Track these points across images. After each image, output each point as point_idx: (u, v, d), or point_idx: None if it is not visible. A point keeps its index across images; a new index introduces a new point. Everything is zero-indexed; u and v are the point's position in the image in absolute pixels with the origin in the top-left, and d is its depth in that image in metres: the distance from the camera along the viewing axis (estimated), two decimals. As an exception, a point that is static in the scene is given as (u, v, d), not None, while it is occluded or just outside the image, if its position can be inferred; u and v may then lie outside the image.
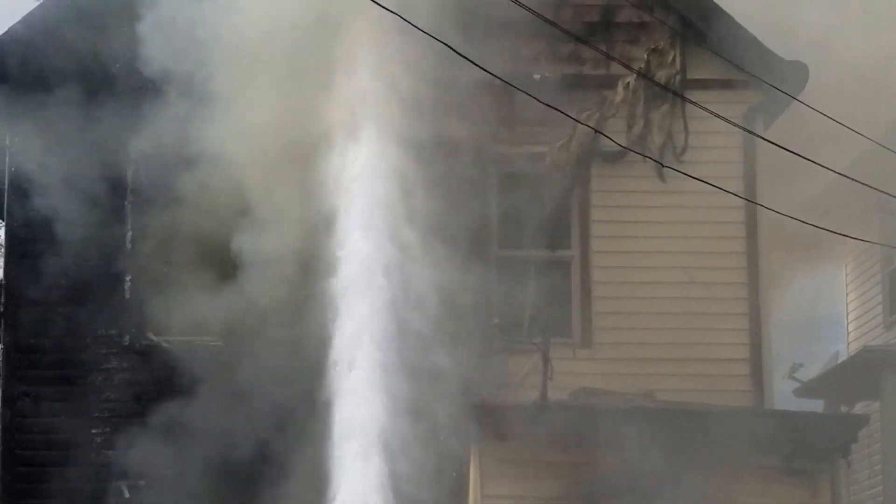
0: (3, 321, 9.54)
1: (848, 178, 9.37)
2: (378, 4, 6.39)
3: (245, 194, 8.71)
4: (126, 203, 9.46)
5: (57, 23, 9.43)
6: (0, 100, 9.39)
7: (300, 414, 8.13)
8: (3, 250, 10.54)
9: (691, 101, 9.53)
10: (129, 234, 9.52)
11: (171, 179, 9.19)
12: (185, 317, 9.41)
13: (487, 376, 8.97)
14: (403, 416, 7.95)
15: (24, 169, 9.44)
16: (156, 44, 8.79)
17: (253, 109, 8.55)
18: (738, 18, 9.79)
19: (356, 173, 8.29)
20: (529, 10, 7.30)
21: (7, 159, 9.56)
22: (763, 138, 9.72)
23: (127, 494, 9.24)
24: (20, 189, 9.48)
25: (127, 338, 9.38)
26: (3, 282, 9.56)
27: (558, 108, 8.32)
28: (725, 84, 9.93)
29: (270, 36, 8.63)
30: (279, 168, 8.55)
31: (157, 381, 9.19)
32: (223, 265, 9.00)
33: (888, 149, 9.73)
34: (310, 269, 8.44)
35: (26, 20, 9.79)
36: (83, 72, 9.53)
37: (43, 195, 9.31)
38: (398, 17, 6.62)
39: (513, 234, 10.05)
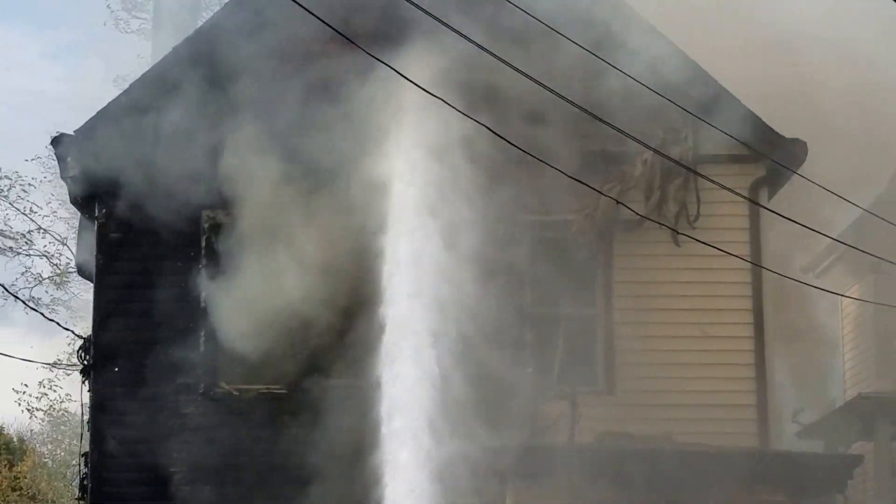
0: (92, 373, 10.30)
1: (843, 243, 10.03)
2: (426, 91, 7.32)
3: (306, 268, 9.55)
4: (200, 267, 10.24)
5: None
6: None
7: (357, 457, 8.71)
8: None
9: (702, 175, 9.89)
10: (203, 295, 10.15)
11: (237, 252, 9.97)
12: (252, 367, 10.12)
13: (523, 421, 9.35)
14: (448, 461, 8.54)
15: (111, 240, 10.29)
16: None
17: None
18: (745, 100, 10.15)
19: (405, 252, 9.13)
20: (560, 95, 7.98)
21: (96, 230, 10.38)
22: (766, 208, 10.14)
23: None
24: (110, 256, 10.33)
25: (202, 386, 10.13)
26: (93, 339, 10.30)
27: (583, 181, 9.09)
28: (733, 159, 10.27)
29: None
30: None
31: (230, 426, 9.95)
32: (288, 323, 9.64)
33: (878, 216, 10.32)
34: (364, 329, 9.19)
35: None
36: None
37: (130, 261, 10.18)
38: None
39: (545, 294, 10.49)
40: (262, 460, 9.76)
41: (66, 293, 22.93)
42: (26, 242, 22.34)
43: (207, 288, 10.11)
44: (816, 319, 12.08)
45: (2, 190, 22.23)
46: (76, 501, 14.11)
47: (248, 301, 9.80)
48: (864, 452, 10.99)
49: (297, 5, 6.17)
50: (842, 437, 12.11)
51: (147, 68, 11.91)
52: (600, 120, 8.98)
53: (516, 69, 7.37)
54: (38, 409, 23.89)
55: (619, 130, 9.18)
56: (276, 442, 9.70)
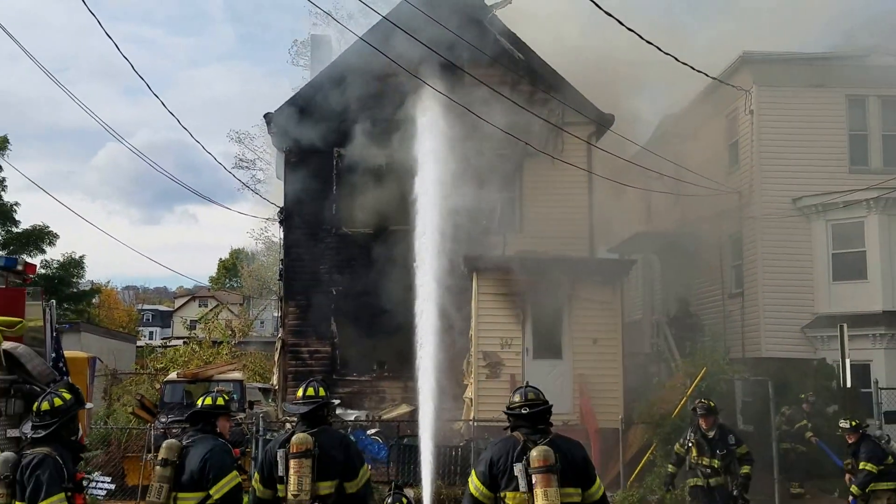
0: (284, 223, 20.27)
1: (630, 160, 20.41)
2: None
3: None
4: (333, 174, 20.28)
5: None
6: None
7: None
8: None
9: (565, 130, 19.98)
10: (335, 188, 20.07)
11: (349, 169, 19.60)
12: (357, 219, 19.69)
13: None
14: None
15: (292, 162, 20.14)
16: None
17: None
18: (583, 91, 20.20)
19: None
20: (505, 95, 18.25)
21: (284, 157, 20.26)
22: (594, 146, 20.35)
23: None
24: (291, 170, 20.02)
25: (334, 229, 20.15)
26: (284, 208, 20.49)
27: (511, 133, 19.32)
28: (579, 122, 19.90)
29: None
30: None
31: (347, 250, 20.09)
32: (376, 196, 18.90)
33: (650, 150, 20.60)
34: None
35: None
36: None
37: (300, 172, 20.03)
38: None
39: (499, 183, 20.44)
40: (365, 268, 19.37)
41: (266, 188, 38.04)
42: (251, 165, 41.09)
43: (337, 184, 19.80)
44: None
45: (243, 140, 41.79)
46: (278, 281, 23.34)
47: (354, 188, 19.27)
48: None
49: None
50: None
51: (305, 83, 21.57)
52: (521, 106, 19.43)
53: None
54: (259, 241, 46.20)
55: (525, 109, 19.34)
56: (370, 256, 19.00)
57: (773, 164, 19.70)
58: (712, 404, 11.22)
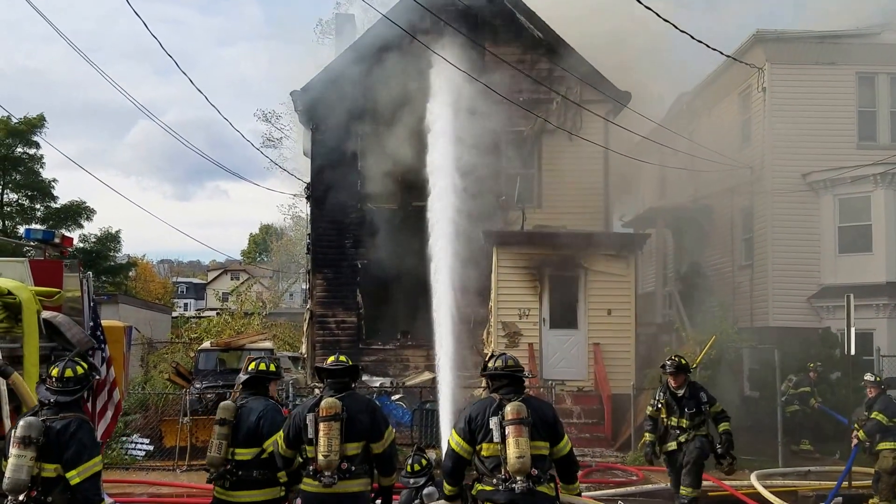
0: (311, 197, 20.69)
1: (642, 136, 20.56)
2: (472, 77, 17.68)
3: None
4: (355, 151, 20.46)
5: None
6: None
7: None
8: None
9: (585, 108, 20.21)
10: (359, 162, 20.16)
11: (370, 142, 19.86)
12: (380, 194, 19.82)
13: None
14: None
15: (317, 139, 20.41)
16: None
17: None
18: (602, 70, 20.37)
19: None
20: (519, 70, 18.30)
21: (311, 133, 20.59)
22: (612, 122, 20.52)
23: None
24: (316, 144, 20.39)
25: (358, 204, 20.52)
26: (311, 183, 20.88)
27: (529, 110, 19.51)
28: (596, 99, 20.31)
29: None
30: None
31: (371, 224, 20.45)
32: (398, 173, 19.07)
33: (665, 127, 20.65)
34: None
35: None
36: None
37: (325, 146, 20.36)
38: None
39: (513, 156, 20.80)
40: (389, 242, 19.35)
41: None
42: (278, 143, 42.50)
43: (362, 160, 20.02)
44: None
45: (270, 119, 43.53)
46: (306, 255, 23.64)
47: (378, 164, 19.11)
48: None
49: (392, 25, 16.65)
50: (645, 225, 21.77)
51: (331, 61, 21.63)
52: (539, 83, 19.65)
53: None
54: (287, 216, 47.88)
55: (546, 86, 19.52)
56: (394, 230, 19.25)
57: (784, 141, 19.86)
58: (684, 361, 10.36)
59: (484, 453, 5.78)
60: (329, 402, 6.41)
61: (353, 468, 6.40)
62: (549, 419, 5.87)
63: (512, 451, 5.54)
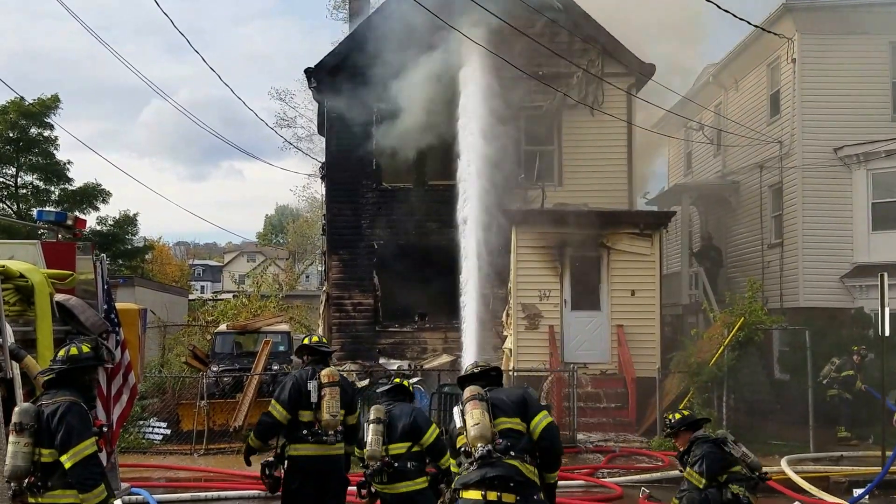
0: (326, 178, 20.59)
1: (671, 112, 20.07)
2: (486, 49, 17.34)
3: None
4: (372, 128, 20.14)
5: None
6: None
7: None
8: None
9: (607, 81, 19.86)
10: (374, 140, 19.69)
11: (387, 122, 19.65)
12: (395, 172, 19.75)
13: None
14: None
15: (331, 116, 20.30)
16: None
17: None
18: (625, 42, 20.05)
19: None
20: (542, 44, 18.16)
21: (326, 111, 20.40)
22: (635, 96, 20.19)
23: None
24: (330, 123, 20.32)
25: (373, 183, 20.42)
26: (325, 162, 20.73)
27: (550, 85, 19.27)
28: (620, 72, 19.95)
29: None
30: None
31: (388, 203, 20.39)
32: (413, 154, 18.87)
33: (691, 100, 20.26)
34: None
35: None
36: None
37: (339, 125, 20.16)
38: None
39: (532, 135, 20.64)
40: (405, 222, 19.59)
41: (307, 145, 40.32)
42: (292, 122, 41.66)
43: (377, 139, 19.58)
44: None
45: (284, 98, 44.61)
46: (321, 236, 23.71)
47: (394, 143, 18.71)
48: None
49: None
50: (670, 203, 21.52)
51: (345, 37, 21.53)
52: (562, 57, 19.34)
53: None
54: (302, 198, 49.62)
55: (566, 59, 19.08)
56: (410, 210, 19.45)
57: (815, 113, 19.50)
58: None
59: (459, 444, 5.81)
60: (331, 371, 7.72)
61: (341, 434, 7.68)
62: (515, 398, 5.86)
63: (469, 424, 5.60)
